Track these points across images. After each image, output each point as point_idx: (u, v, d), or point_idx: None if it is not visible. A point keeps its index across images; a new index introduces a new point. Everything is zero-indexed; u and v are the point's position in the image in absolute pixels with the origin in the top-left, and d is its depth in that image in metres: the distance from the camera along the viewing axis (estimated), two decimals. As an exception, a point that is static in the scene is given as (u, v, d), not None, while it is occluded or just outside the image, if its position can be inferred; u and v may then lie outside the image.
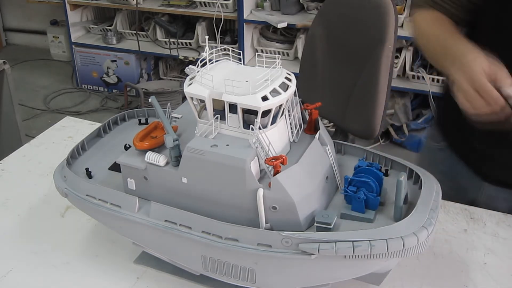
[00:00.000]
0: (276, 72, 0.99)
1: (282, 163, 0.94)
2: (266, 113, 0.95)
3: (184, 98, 1.02)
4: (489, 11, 1.29)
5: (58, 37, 4.90)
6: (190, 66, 1.06)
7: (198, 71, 1.02)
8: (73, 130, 1.70)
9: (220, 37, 3.81)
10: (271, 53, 2.91)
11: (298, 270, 0.98)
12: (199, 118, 1.03)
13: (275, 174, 0.94)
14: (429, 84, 3.35)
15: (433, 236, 0.94)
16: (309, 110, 1.09)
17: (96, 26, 4.42)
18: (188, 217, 1.00)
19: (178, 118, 1.15)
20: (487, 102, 1.05)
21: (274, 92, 0.96)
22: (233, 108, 0.97)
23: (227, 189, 0.97)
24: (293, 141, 1.06)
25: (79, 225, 1.30)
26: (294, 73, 1.03)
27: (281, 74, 1.00)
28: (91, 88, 4.49)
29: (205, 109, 1.00)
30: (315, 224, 0.95)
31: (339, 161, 1.12)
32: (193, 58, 3.92)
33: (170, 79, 4.33)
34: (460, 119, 1.15)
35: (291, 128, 1.05)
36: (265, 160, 0.95)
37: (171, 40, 4.06)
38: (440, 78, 3.24)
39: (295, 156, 1.01)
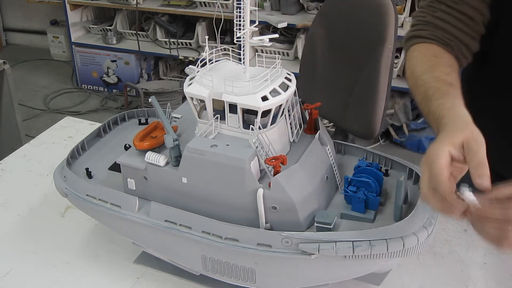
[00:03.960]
0: (276, 72, 0.99)
1: (282, 163, 0.94)
2: (266, 113, 0.95)
3: (184, 98, 1.02)
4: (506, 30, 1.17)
5: (58, 37, 4.90)
6: (190, 66, 1.06)
7: (198, 71, 1.02)
8: (73, 130, 1.70)
9: (220, 37, 3.81)
10: (271, 53, 2.91)
11: (298, 270, 0.98)
12: (199, 118, 1.03)
13: (275, 174, 0.94)
14: (429, 84, 3.34)
15: (433, 236, 0.94)
16: (309, 110, 1.09)
17: (96, 26, 4.42)
18: (188, 217, 1.00)
19: (178, 118, 1.15)
20: (443, 204, 0.83)
21: (274, 92, 0.96)
22: (233, 108, 0.97)
23: (227, 189, 0.97)
24: (293, 141, 1.06)
25: (79, 225, 1.30)
26: (294, 73, 1.03)
27: (281, 74, 1.00)
28: (91, 88, 4.49)
29: (205, 109, 1.00)
30: (315, 224, 0.95)
31: (339, 161, 1.12)
32: (193, 58, 3.92)
33: (170, 79, 4.33)
34: None
35: (291, 128, 1.05)
36: (265, 160, 0.95)
37: (171, 40, 4.06)
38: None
39: (295, 156, 1.01)
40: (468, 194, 0.81)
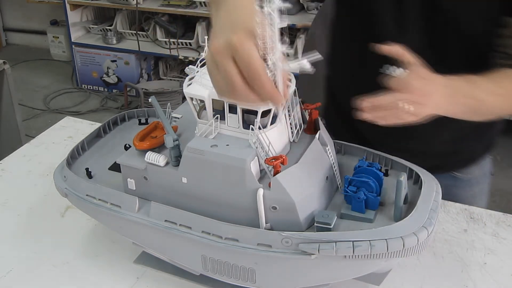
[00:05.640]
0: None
1: (282, 163, 0.94)
2: (266, 113, 0.95)
3: (184, 98, 1.02)
4: None
5: (58, 37, 4.90)
6: (190, 66, 1.06)
7: (197, 71, 1.02)
8: (73, 130, 1.70)
9: (220, 37, 3.80)
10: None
11: (298, 270, 0.98)
12: (198, 118, 1.03)
13: (275, 174, 0.94)
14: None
15: (433, 236, 0.94)
16: (309, 110, 1.09)
17: (96, 26, 4.42)
18: (188, 217, 1.00)
19: (178, 118, 1.15)
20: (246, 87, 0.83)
21: (274, 92, 0.96)
22: (232, 108, 0.97)
23: (227, 189, 0.97)
24: (293, 141, 1.06)
25: (79, 225, 1.30)
26: (294, 73, 1.03)
27: (281, 74, 1.00)
28: (91, 88, 4.49)
29: (205, 109, 1.00)
30: (315, 224, 0.95)
31: (339, 161, 1.12)
32: (193, 58, 3.92)
33: (170, 79, 4.34)
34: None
35: (291, 128, 1.05)
36: (265, 160, 0.95)
37: (171, 40, 4.06)
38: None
39: (295, 156, 1.01)
40: (400, 71, 0.92)
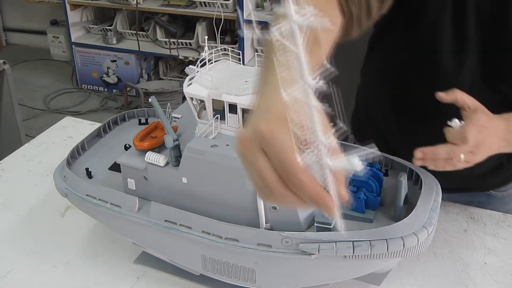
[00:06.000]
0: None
1: (282, 163, 0.94)
2: (266, 113, 0.95)
3: (184, 98, 1.02)
4: None
5: (58, 37, 4.89)
6: (190, 66, 1.06)
7: (197, 71, 1.02)
8: (73, 130, 1.70)
9: (220, 37, 3.81)
10: (271, 53, 2.90)
11: (298, 270, 0.98)
12: (198, 118, 1.03)
13: (275, 174, 0.94)
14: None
15: (433, 236, 0.94)
16: (309, 110, 1.08)
17: (96, 26, 4.42)
18: (188, 217, 1.00)
19: (178, 118, 1.15)
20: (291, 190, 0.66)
21: (274, 92, 0.95)
22: (232, 108, 0.97)
23: (227, 189, 0.97)
24: (293, 141, 1.06)
25: (79, 225, 1.30)
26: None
27: (281, 74, 1.00)
28: (91, 88, 4.49)
29: (205, 109, 1.00)
30: (315, 224, 0.95)
31: (339, 161, 1.11)
32: (193, 58, 3.92)
33: (170, 79, 4.33)
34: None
35: (291, 128, 1.05)
36: (265, 160, 0.95)
37: (171, 40, 4.06)
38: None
39: (295, 156, 1.01)
40: (460, 124, 0.93)
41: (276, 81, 0.59)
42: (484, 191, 1.36)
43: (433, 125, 1.01)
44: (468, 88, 1.12)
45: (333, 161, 0.62)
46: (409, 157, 1.08)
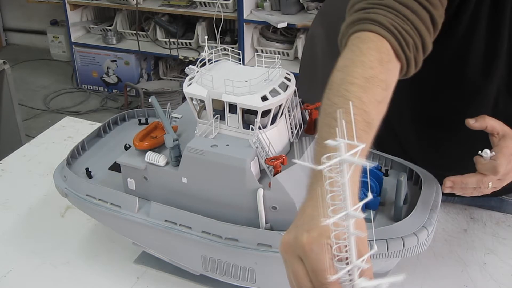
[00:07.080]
0: (275, 72, 0.99)
1: (282, 163, 0.94)
2: (266, 113, 0.95)
3: (184, 98, 1.02)
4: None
5: (58, 37, 4.89)
6: (190, 66, 1.06)
7: (197, 71, 1.02)
8: (73, 130, 1.70)
9: (220, 37, 3.81)
10: (271, 53, 2.91)
11: (298, 270, 0.98)
12: (198, 118, 1.03)
13: (275, 174, 0.94)
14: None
15: (433, 236, 0.94)
16: (309, 110, 1.09)
17: (96, 26, 4.42)
18: (188, 217, 1.00)
19: (178, 118, 1.15)
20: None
21: (274, 92, 0.96)
22: (232, 108, 0.97)
23: (227, 189, 0.97)
24: (293, 141, 1.06)
25: (79, 225, 1.30)
26: (294, 73, 1.03)
27: (280, 74, 1.00)
28: (91, 88, 4.49)
29: (205, 109, 1.00)
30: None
31: (339, 161, 1.11)
32: (193, 58, 3.92)
33: (170, 79, 4.33)
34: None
35: (291, 128, 1.05)
36: (265, 160, 0.95)
37: (171, 40, 4.06)
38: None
39: (295, 156, 1.01)
40: (491, 154, 0.96)
41: (323, 202, 0.65)
42: (496, 196, 1.35)
43: (455, 135, 1.02)
44: (493, 100, 1.12)
45: (363, 282, 0.67)
46: (428, 166, 1.09)
